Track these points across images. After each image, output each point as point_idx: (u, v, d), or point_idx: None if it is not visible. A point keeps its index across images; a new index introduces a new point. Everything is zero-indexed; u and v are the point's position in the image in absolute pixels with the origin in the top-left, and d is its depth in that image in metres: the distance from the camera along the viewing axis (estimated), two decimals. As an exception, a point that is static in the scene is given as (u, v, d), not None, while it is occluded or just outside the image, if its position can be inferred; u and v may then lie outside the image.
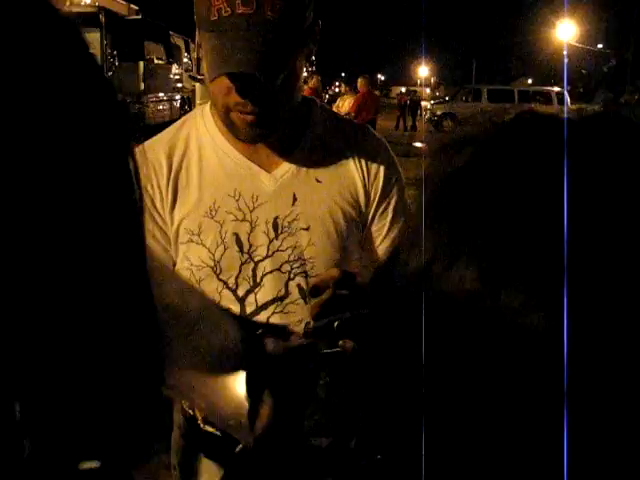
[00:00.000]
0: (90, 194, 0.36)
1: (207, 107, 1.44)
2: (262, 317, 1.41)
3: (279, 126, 1.36)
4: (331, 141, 1.45)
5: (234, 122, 1.32)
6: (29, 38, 0.36)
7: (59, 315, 0.34)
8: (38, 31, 0.38)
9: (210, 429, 1.44)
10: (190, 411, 1.49)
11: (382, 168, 1.46)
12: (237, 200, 1.38)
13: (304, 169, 1.41)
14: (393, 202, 1.48)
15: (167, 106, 24.14)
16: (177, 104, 25.14)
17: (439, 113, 28.19)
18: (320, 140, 1.44)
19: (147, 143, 1.42)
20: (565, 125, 0.41)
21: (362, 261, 1.50)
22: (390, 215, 1.48)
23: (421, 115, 29.05)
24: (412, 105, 29.00)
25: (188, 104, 25.37)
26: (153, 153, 1.39)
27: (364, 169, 1.45)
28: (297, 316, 1.42)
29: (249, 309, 1.41)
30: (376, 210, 1.47)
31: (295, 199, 1.40)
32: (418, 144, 21.12)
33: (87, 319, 0.35)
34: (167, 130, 1.46)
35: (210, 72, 1.24)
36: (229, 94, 1.27)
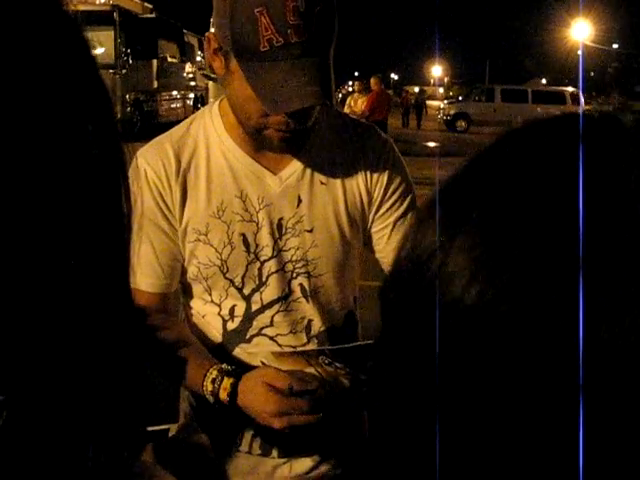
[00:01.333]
0: (76, 203, 0.35)
1: (215, 106, 1.44)
2: (267, 315, 1.43)
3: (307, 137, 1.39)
4: (336, 142, 1.45)
5: (267, 137, 1.33)
6: (26, 33, 0.35)
7: (38, 324, 0.33)
8: (36, 28, 0.36)
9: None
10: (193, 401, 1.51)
11: (386, 169, 1.47)
12: (244, 201, 1.39)
13: (309, 171, 1.42)
14: (397, 203, 1.48)
15: (180, 104, 24.22)
16: (190, 102, 25.22)
17: (452, 113, 28.13)
18: (325, 142, 1.44)
19: (156, 140, 1.44)
20: (581, 123, 0.40)
21: (364, 263, 1.53)
22: (394, 217, 1.48)
23: (425, 114, 29.12)
24: (417, 105, 29.10)
25: (201, 102, 25.43)
26: (162, 150, 1.39)
27: (368, 170, 1.46)
28: (299, 314, 1.44)
29: (255, 307, 1.43)
30: (377, 211, 1.48)
31: (300, 201, 1.41)
32: (431, 143, 21.13)
33: (67, 328, 0.35)
34: (176, 128, 1.46)
35: (274, 103, 1.23)
36: (269, 115, 1.28)
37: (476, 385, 0.37)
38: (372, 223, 1.49)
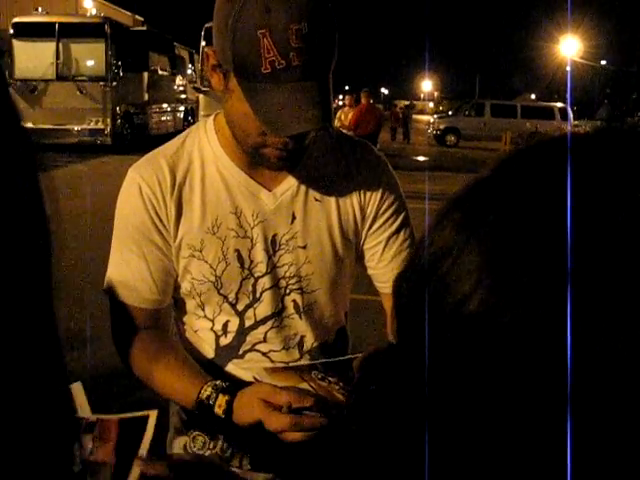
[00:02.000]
0: None
1: (210, 121, 1.44)
2: (260, 331, 1.43)
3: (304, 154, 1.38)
4: (331, 159, 1.45)
5: (265, 156, 1.32)
6: None
7: None
8: None
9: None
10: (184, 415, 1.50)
11: (380, 186, 1.47)
12: (238, 217, 1.38)
13: (303, 187, 1.41)
14: (390, 220, 1.48)
15: (171, 117, 24.23)
16: (181, 115, 25.23)
17: (442, 127, 28.23)
18: (320, 158, 1.44)
19: (150, 154, 1.43)
20: (569, 141, 0.43)
21: (354, 279, 1.52)
22: (387, 233, 1.48)
23: (411, 127, 29.59)
24: (404, 118, 29.49)
25: (192, 115, 25.44)
26: (157, 165, 1.38)
27: (361, 187, 1.46)
28: (292, 330, 1.44)
29: (248, 323, 1.43)
30: (370, 228, 1.47)
31: (294, 217, 1.41)
32: (420, 158, 21.20)
33: None
34: (170, 143, 1.44)
35: (275, 125, 1.22)
36: (267, 134, 1.27)
37: (472, 382, 0.39)
38: (365, 239, 1.48)
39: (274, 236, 1.40)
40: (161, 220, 1.38)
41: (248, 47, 1.17)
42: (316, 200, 1.42)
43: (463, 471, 0.41)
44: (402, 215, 1.49)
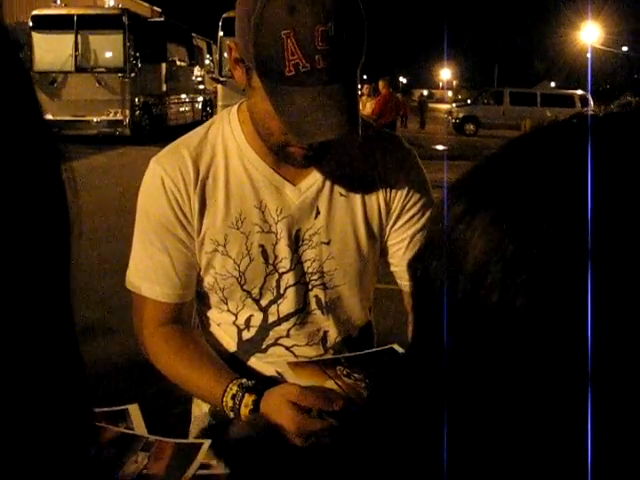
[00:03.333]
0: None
1: (234, 112, 1.40)
2: (284, 327, 1.41)
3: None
4: (358, 152, 1.41)
5: (289, 154, 1.29)
6: None
7: None
8: None
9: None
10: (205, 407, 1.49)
11: (407, 182, 1.43)
12: (263, 212, 1.36)
13: (329, 183, 1.39)
14: (416, 217, 1.44)
15: (189, 108, 24.26)
16: (199, 106, 25.26)
17: (460, 116, 28.04)
18: (347, 152, 1.40)
19: (173, 146, 1.40)
20: (589, 123, 0.43)
21: (378, 274, 1.50)
22: (411, 230, 1.45)
23: (426, 115, 29.92)
24: (420, 106, 29.66)
25: (210, 106, 25.46)
26: (180, 158, 1.35)
27: (388, 182, 1.42)
28: (315, 326, 1.43)
29: (271, 319, 1.41)
30: (394, 224, 1.44)
31: (318, 213, 1.39)
32: (440, 147, 21.10)
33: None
34: (193, 133, 1.41)
35: (300, 131, 1.18)
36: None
37: (493, 352, 0.39)
38: (389, 235, 1.45)
39: (297, 231, 1.38)
40: (184, 214, 1.35)
41: (271, 48, 1.13)
42: (341, 195, 1.39)
43: (483, 454, 0.40)
44: (428, 212, 1.45)
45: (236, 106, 1.41)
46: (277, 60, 1.13)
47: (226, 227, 1.36)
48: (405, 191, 1.43)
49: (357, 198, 1.40)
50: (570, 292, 0.36)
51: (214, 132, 1.39)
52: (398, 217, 1.43)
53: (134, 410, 1.25)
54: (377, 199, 1.41)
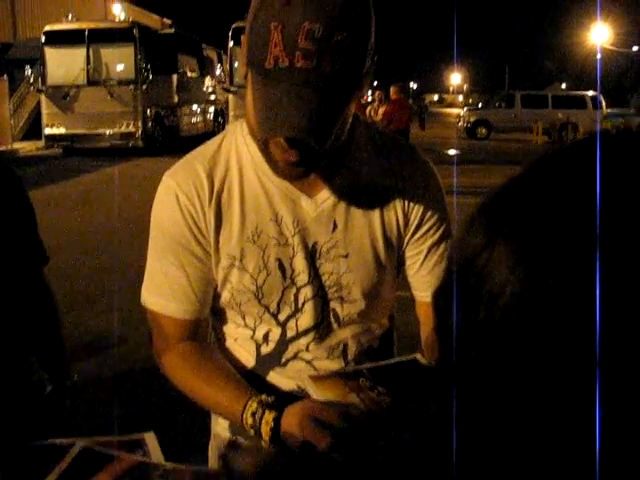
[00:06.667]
0: None
1: (245, 123, 1.35)
2: (303, 342, 1.39)
3: (321, 162, 1.28)
4: (374, 165, 1.38)
5: (273, 157, 1.24)
6: None
7: None
8: None
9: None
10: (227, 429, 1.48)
11: (425, 194, 1.40)
12: (279, 224, 1.33)
13: (345, 195, 1.35)
14: (433, 229, 1.42)
15: (201, 118, 24.36)
16: (210, 116, 25.35)
17: (472, 120, 27.98)
18: (364, 162, 1.37)
19: (186, 159, 1.38)
20: (598, 139, 0.44)
21: (396, 286, 1.48)
22: (428, 242, 1.42)
23: (425, 115, 30.75)
24: (419, 109, 30.38)
25: (222, 115, 25.55)
26: (194, 172, 1.33)
27: (406, 194, 1.39)
28: (335, 339, 1.40)
29: (290, 333, 1.39)
30: (412, 236, 1.42)
31: (335, 226, 1.35)
32: (451, 151, 21.05)
33: None
34: (206, 146, 1.38)
35: (262, 126, 1.15)
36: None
37: (512, 370, 0.41)
38: (406, 247, 1.43)
39: (314, 244, 1.35)
40: (200, 230, 1.33)
41: (260, 38, 1.10)
42: (359, 207, 1.36)
43: (501, 453, 0.41)
44: (445, 224, 1.43)
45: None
46: (262, 51, 1.10)
47: (242, 241, 1.33)
48: (423, 203, 1.40)
49: (375, 210, 1.37)
50: (585, 322, 0.38)
51: (227, 145, 1.37)
52: (417, 229, 1.41)
53: (150, 438, 1.24)
54: (395, 211, 1.39)
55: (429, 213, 1.40)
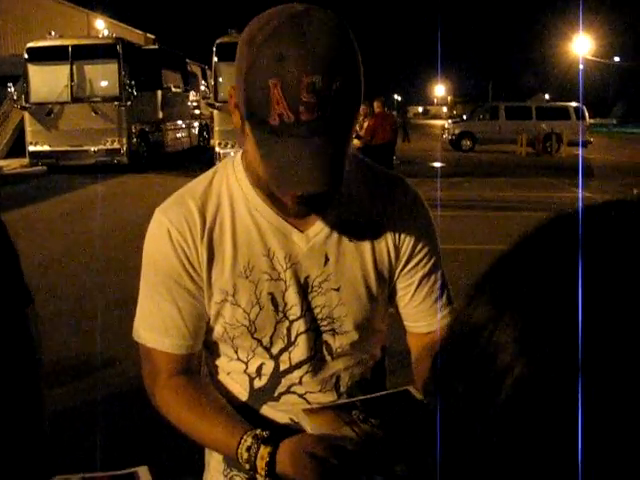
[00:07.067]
0: None
1: (237, 159, 1.38)
2: (296, 375, 1.39)
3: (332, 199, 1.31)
4: (366, 196, 1.39)
5: (284, 201, 1.27)
6: None
7: None
8: None
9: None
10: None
11: (415, 226, 1.41)
12: (271, 259, 1.33)
13: (337, 229, 1.36)
14: (424, 261, 1.43)
15: (186, 133, 24.38)
16: (195, 131, 25.38)
17: (457, 132, 28.18)
18: (355, 196, 1.38)
19: (177, 195, 1.38)
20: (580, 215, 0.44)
21: (387, 317, 1.48)
22: (419, 274, 1.43)
23: (408, 127, 31.48)
24: (402, 122, 30.83)
25: (207, 130, 25.59)
26: (186, 208, 1.34)
27: (397, 226, 1.41)
28: (327, 372, 1.40)
29: (283, 367, 1.39)
30: (403, 268, 1.43)
31: (327, 259, 1.36)
32: (436, 164, 21.15)
33: None
34: (197, 181, 1.39)
35: (280, 183, 1.17)
36: None
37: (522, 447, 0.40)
38: (397, 278, 1.44)
39: (306, 278, 1.35)
40: (192, 265, 1.33)
41: (259, 96, 1.10)
42: (350, 241, 1.37)
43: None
44: (435, 255, 1.44)
45: (240, 153, 1.39)
46: (264, 108, 1.11)
47: (235, 276, 1.33)
48: (414, 235, 1.41)
49: (366, 243, 1.38)
50: (569, 384, 0.38)
51: (218, 180, 1.37)
52: (407, 261, 1.42)
53: (144, 472, 1.22)
54: (386, 243, 1.40)
55: (420, 245, 1.41)
